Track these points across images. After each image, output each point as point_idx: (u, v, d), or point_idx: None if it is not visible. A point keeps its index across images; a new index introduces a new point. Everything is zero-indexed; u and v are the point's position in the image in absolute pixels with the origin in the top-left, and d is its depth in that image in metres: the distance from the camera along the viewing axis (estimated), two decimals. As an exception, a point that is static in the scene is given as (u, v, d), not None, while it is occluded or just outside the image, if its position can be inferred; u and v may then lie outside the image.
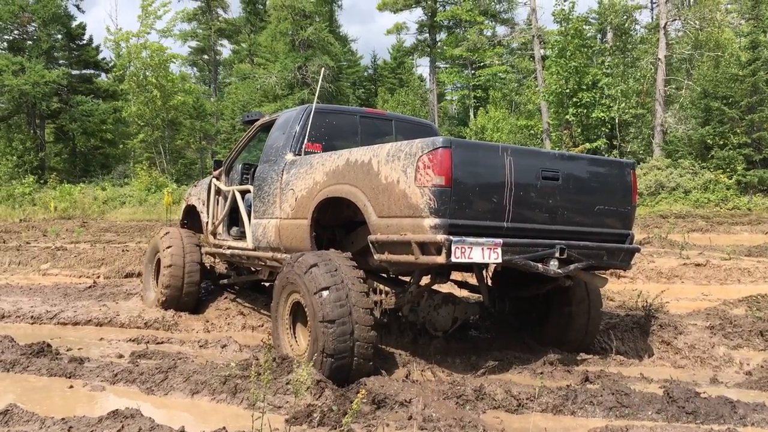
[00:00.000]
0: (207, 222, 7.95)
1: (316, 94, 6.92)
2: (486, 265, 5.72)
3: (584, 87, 28.36)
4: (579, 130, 29.04)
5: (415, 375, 5.29)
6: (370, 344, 4.83)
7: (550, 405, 4.49)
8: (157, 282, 8.27)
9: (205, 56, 53.88)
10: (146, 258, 8.64)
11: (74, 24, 44.20)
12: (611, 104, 28.13)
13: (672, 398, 4.45)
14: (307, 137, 6.25)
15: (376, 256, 4.97)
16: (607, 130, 28.75)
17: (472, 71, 44.40)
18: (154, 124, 40.72)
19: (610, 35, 32.70)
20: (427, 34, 47.21)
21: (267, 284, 8.46)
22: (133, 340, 6.70)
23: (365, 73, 53.41)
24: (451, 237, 4.41)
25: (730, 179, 26.53)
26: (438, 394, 4.70)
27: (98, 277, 11.62)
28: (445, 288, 6.86)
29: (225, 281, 8.46)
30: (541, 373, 5.25)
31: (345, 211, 5.65)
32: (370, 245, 4.99)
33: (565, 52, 28.73)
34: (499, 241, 4.60)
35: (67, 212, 26.22)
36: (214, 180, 7.90)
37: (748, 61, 28.55)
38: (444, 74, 46.28)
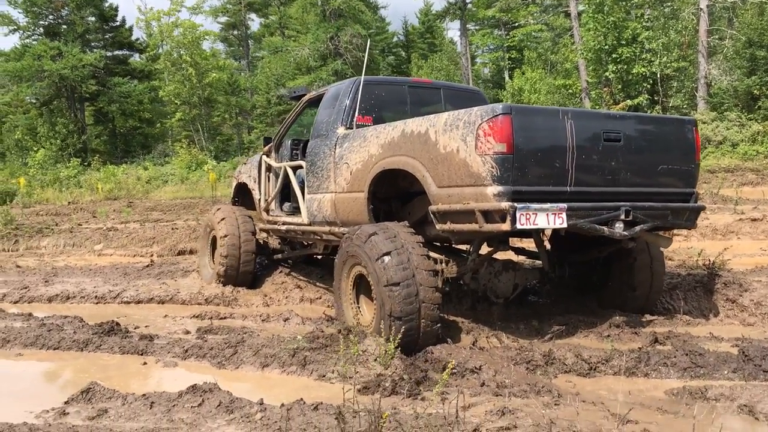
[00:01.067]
0: (259, 199, 8.02)
1: (364, 66, 6.87)
2: (543, 230, 5.69)
3: (623, 42, 27.56)
4: (619, 86, 28.34)
5: (481, 342, 5.32)
6: (436, 305, 4.88)
7: (622, 367, 4.48)
8: (213, 259, 8.37)
9: (236, 31, 53.86)
10: (200, 236, 8.75)
11: (106, 5, 44.48)
12: (652, 58, 27.32)
13: (747, 356, 4.40)
14: (357, 110, 6.23)
15: (438, 226, 4.97)
16: (648, 86, 27.97)
17: (506, 32, 43.61)
18: (190, 103, 41.03)
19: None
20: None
21: (320, 257, 8.51)
22: (197, 317, 6.84)
23: (394, 39, 52.80)
24: (515, 204, 4.39)
25: (780, 129, 25.70)
26: (506, 360, 4.72)
27: (152, 255, 11.87)
28: (502, 255, 6.82)
29: (279, 256, 8.53)
30: (608, 336, 5.23)
31: (401, 183, 5.66)
32: (432, 215, 5.00)
33: (602, 7, 27.93)
34: (564, 205, 4.57)
35: (112, 193, 26.67)
36: (264, 157, 7.93)
37: (795, 5, 27.46)
38: (477, 37, 45.54)
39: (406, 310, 4.78)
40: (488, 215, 4.52)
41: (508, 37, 43.15)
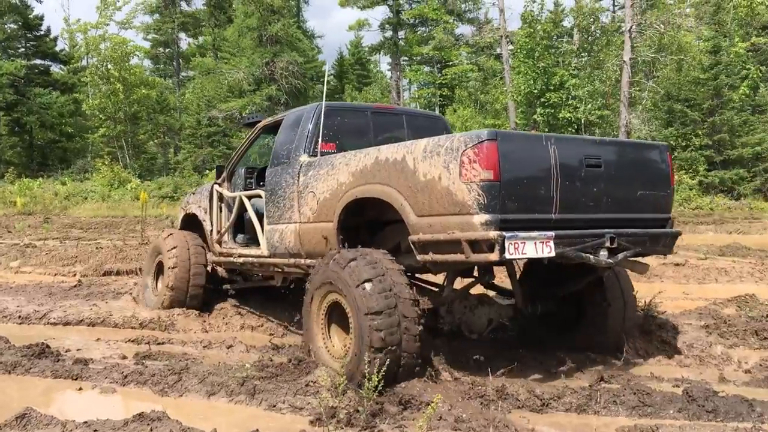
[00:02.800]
0: (211, 230, 7.67)
1: (324, 92, 6.75)
2: (517, 262, 5.50)
3: (552, 87, 28.72)
4: (546, 129, 29.40)
5: (432, 375, 5.29)
6: (417, 337, 4.65)
7: (573, 404, 4.54)
8: (157, 285, 8.06)
9: (167, 49, 52.94)
10: (146, 260, 8.36)
11: (31, 15, 42.95)
12: (578, 105, 28.54)
13: (692, 397, 4.53)
14: (321, 137, 6.04)
15: (419, 257, 4.77)
16: (573, 131, 29.12)
17: (438, 70, 44.59)
18: (116, 118, 39.88)
19: (576, 37, 33.16)
20: (391, 32, 47.20)
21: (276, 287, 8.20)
22: (133, 341, 6.56)
23: (323, 69, 53.05)
24: (504, 233, 4.25)
25: (693, 180, 27.23)
26: (460, 394, 4.71)
27: (74, 275, 11.33)
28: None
29: (228, 287, 8.24)
30: (555, 372, 5.30)
31: (370, 212, 5.51)
32: (412, 246, 4.80)
33: (533, 53, 29.04)
34: (551, 233, 4.45)
35: (27, 207, 25.49)
36: (216, 186, 7.62)
37: (709, 65, 29.31)
38: (410, 72, 46.36)
39: (388, 341, 4.53)
40: (475, 245, 4.35)
41: (440, 75, 44.08)
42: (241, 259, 7.05)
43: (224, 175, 7.59)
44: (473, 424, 4.07)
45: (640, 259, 5.31)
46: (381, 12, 47.62)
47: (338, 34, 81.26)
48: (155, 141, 46.15)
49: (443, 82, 43.93)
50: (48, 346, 5.85)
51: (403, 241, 5.32)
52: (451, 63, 42.49)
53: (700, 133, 28.43)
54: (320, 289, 5.16)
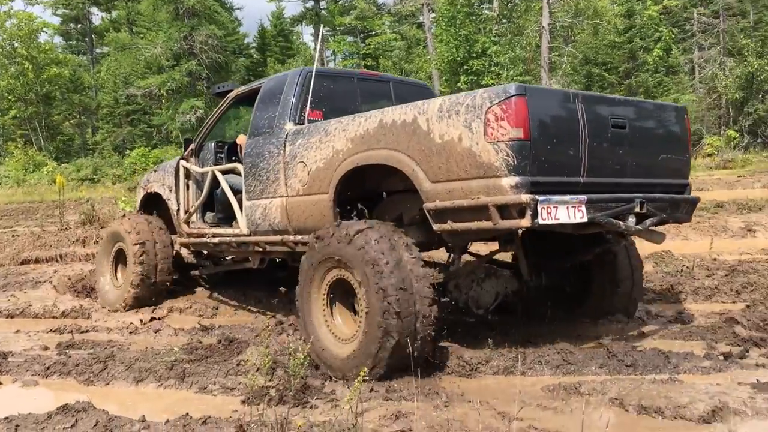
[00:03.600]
0: (177, 209, 7.16)
1: (316, 58, 6.46)
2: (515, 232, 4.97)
3: (474, 55, 28.92)
4: (470, 97, 29.69)
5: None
6: (431, 319, 4.33)
7: (501, 367, 4.66)
8: (117, 276, 7.56)
9: (79, 25, 50.59)
10: (101, 248, 7.74)
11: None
12: (500, 71, 28.85)
13: (612, 353, 4.73)
14: (309, 104, 5.65)
15: (436, 226, 4.41)
16: (497, 97, 29.46)
17: (362, 40, 44.27)
18: (26, 99, 38.01)
19: (496, 4, 33.44)
20: (313, 2, 46.47)
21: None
22: (54, 331, 6.36)
23: (246, 41, 51.77)
24: (536, 197, 3.94)
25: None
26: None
27: (-10, 264, 10.85)
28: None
29: (196, 272, 7.79)
30: (487, 338, 5.33)
31: (368, 182, 5.19)
32: (427, 214, 4.44)
33: (454, 21, 29.13)
34: (584, 197, 4.18)
35: (-65, 196, 24.16)
36: (183, 162, 7.12)
37: (624, 28, 30.13)
38: (334, 43, 45.85)
39: (404, 321, 4.20)
40: (504, 210, 4.02)
41: (364, 45, 43.78)
42: (216, 239, 6.57)
43: (191, 149, 7.10)
44: (404, 393, 4.12)
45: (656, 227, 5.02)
46: (301, -19, 46.69)
47: (259, 4, 78.87)
48: (71, 122, 44.21)
49: (367, 52, 43.65)
50: (-38, 341, 5.61)
51: (407, 213, 5.10)
52: (374, 33, 42.19)
53: (618, 95, 29.30)
54: (321, 265, 4.72)
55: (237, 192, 6.28)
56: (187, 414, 3.83)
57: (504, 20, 31.65)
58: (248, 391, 4.31)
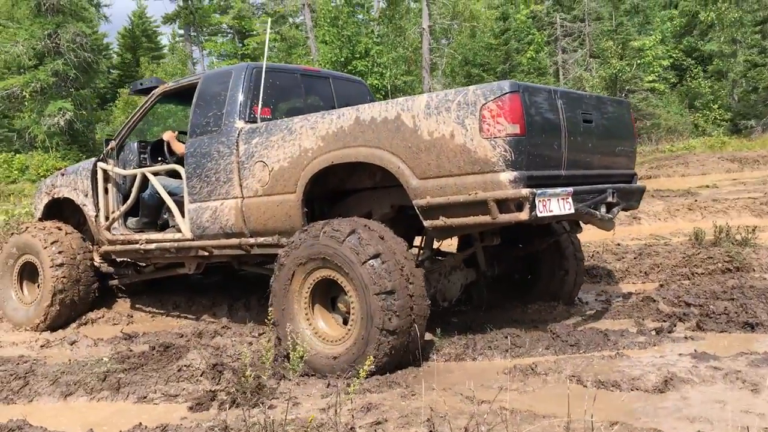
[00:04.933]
0: (96, 216, 6.57)
1: (266, 51, 6.07)
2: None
3: (357, 55, 29.20)
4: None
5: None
6: (425, 317, 4.40)
7: (452, 354, 4.70)
8: (23, 292, 6.87)
9: None
10: (1, 267, 6.99)
11: None
12: (384, 71, 29.30)
13: (556, 334, 4.89)
14: (259, 101, 5.45)
15: (426, 223, 4.44)
16: (381, 97, 29.91)
17: (240, 40, 43.45)
18: None
19: (376, 5, 33.93)
20: (183, 0, 44.99)
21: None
22: (-47, 349, 5.75)
23: (105, 40, 49.22)
24: (534, 190, 4.05)
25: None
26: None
27: None
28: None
29: (115, 282, 7.16)
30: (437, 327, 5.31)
31: (330, 181, 5.10)
32: (417, 210, 4.45)
33: (336, 21, 29.27)
34: (570, 189, 4.35)
35: None
36: (101, 164, 6.57)
37: (500, 31, 31.42)
38: (209, 44, 44.71)
39: (402, 323, 4.21)
40: (503, 204, 4.10)
41: (242, 45, 42.98)
42: (151, 245, 6.13)
43: (109, 150, 6.59)
44: (367, 385, 4.06)
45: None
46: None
47: (123, 3, 75.45)
48: None
49: (245, 52, 42.90)
50: None
51: (377, 210, 5.06)
52: (252, 33, 41.52)
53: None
54: (305, 265, 4.61)
55: (171, 194, 6.00)
56: (141, 424, 3.59)
57: (386, 21, 32.18)
58: (194, 396, 4.12)
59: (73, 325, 6.60)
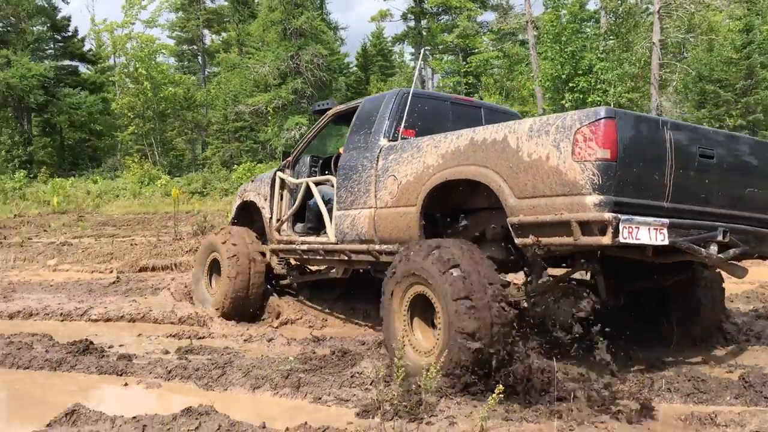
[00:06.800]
0: (270, 218, 7.51)
1: (414, 78, 6.67)
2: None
3: (580, 72, 28.26)
4: (575, 115, 28.99)
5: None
6: (509, 323, 4.45)
7: (625, 392, 4.44)
8: (211, 282, 7.88)
9: (193, 46, 53.27)
10: (197, 260, 8.15)
11: (59, 16, 43.49)
12: (607, 89, 28.07)
13: (748, 383, 4.42)
14: (403, 122, 5.95)
15: (518, 240, 4.58)
16: (603, 115, 28.68)
17: (463, 58, 44.22)
18: (145, 116, 40.28)
19: (603, 20, 32.66)
20: (413, 21, 46.86)
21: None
22: (173, 336, 6.59)
23: (346, 61, 52.79)
24: (618, 215, 4.03)
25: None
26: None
27: (111, 271, 11.47)
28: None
29: (286, 282, 8.03)
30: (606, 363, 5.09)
31: (453, 199, 5.36)
32: (510, 228, 4.60)
33: (560, 37, 28.61)
34: (666, 221, 4.25)
35: (61, 206, 25.84)
36: (279, 173, 7.50)
37: (742, 44, 28.63)
38: (435, 61, 46.05)
39: (481, 325, 4.35)
40: (586, 227, 4.15)
41: (465, 63, 43.73)
42: (304, 246, 6.86)
43: (288, 161, 7.49)
44: (525, 414, 4.00)
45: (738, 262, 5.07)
46: (402, 1, 47.21)
47: (361, 25, 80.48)
48: (183, 137, 46.52)
49: (468, 70, 43.56)
50: (92, 343, 5.89)
51: (489, 230, 5.21)
52: (475, 50, 42.06)
53: (734, 113, 27.82)
54: (402, 282, 4.98)
55: (328, 202, 6.60)
56: (306, 423, 3.85)
57: (611, 36, 30.84)
58: (362, 403, 4.31)
59: (274, 321, 7.25)
